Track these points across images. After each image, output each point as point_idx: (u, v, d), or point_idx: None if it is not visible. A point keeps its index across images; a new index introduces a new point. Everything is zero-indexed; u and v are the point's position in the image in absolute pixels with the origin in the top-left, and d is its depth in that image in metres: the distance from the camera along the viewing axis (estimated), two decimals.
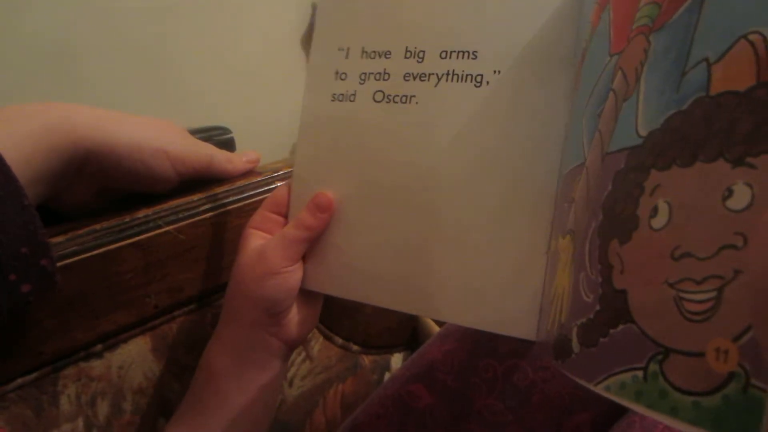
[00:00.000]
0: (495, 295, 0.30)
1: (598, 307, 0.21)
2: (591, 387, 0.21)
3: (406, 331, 0.57)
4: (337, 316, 0.51)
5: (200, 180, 0.41)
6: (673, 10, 0.20)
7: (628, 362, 0.19)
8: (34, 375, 0.33)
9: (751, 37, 0.16)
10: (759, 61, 0.16)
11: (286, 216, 0.37)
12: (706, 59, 0.18)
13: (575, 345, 0.23)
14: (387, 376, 0.55)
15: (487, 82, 0.31)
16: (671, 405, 0.17)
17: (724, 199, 0.16)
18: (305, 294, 0.36)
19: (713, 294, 0.16)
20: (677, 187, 0.18)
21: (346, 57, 0.35)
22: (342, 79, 0.35)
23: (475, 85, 0.31)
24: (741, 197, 0.16)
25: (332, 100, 0.35)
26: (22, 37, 0.82)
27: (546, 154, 0.30)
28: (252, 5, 1.09)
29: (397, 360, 0.56)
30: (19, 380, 0.33)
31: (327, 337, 0.50)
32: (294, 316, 0.36)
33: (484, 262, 0.31)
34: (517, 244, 0.30)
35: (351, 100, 0.34)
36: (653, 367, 0.18)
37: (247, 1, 1.08)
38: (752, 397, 0.15)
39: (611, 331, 0.20)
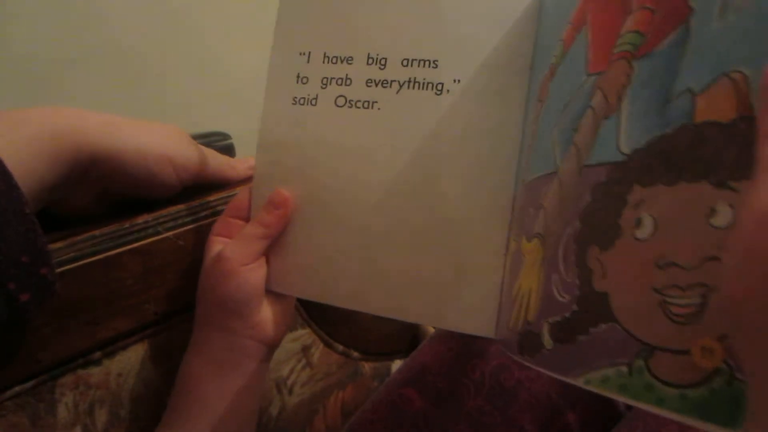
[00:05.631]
0: (455, 294, 0.32)
1: (575, 307, 0.23)
2: (567, 379, 0.23)
3: (406, 338, 0.57)
4: (337, 323, 0.51)
5: (200, 185, 0.41)
6: (657, 41, 0.22)
7: (611, 358, 0.21)
8: (31, 383, 0.33)
9: (734, 75, 0.19)
10: (740, 96, 0.18)
11: (248, 220, 0.37)
12: (690, 90, 0.20)
13: (547, 341, 0.25)
14: None
15: (448, 90, 0.32)
16: (658, 396, 0.19)
17: (708, 216, 0.19)
18: (275, 292, 0.37)
19: (698, 300, 0.19)
20: (662, 203, 0.20)
21: (308, 61, 0.35)
22: (303, 83, 0.35)
23: (435, 93, 0.32)
24: (724, 216, 0.18)
25: (293, 104, 0.35)
26: (19, 47, 0.82)
27: (502, 160, 0.31)
28: (250, 11, 1.09)
29: (397, 366, 0.56)
30: (16, 388, 0.32)
31: (327, 344, 0.50)
32: (265, 315, 0.36)
33: (444, 263, 0.32)
34: (475, 245, 0.31)
35: (312, 104, 0.35)
36: (638, 363, 0.20)
37: (246, 7, 1.08)
38: (737, 389, 0.17)
39: (591, 329, 0.22)
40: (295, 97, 0.35)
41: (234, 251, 0.34)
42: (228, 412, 0.35)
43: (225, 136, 0.50)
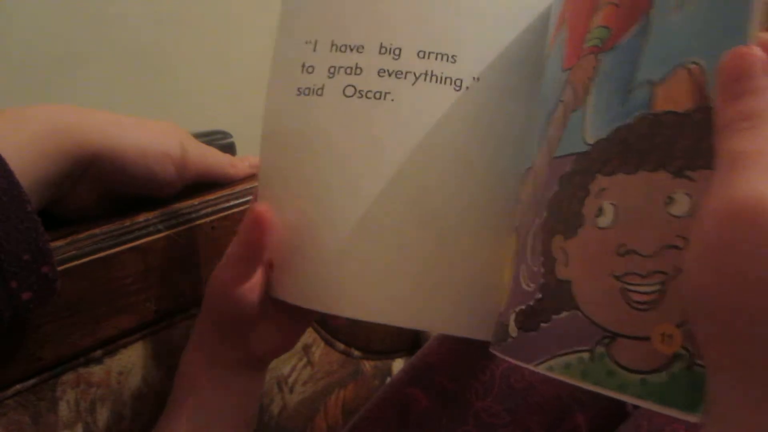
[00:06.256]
0: (462, 299, 0.30)
1: (539, 295, 0.24)
2: (530, 367, 0.23)
3: (407, 337, 0.57)
4: (338, 322, 0.51)
5: (201, 184, 0.41)
6: (621, 34, 0.22)
7: (573, 345, 0.21)
8: (32, 381, 0.33)
9: (690, 66, 0.19)
10: (696, 87, 0.19)
11: None
12: (650, 81, 0.20)
13: (512, 330, 0.25)
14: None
15: (467, 87, 0.31)
16: (619, 382, 0.19)
17: (666, 205, 0.19)
18: (280, 307, 0.35)
19: (658, 287, 0.19)
20: (622, 192, 0.21)
21: (314, 50, 0.33)
22: (309, 73, 0.32)
23: (455, 89, 0.31)
24: (682, 204, 0.19)
25: (298, 95, 0.33)
26: (21, 44, 0.82)
27: (517, 163, 0.30)
28: (251, 9, 1.09)
29: (398, 365, 0.56)
30: (18, 386, 0.32)
31: (328, 343, 0.50)
32: (265, 332, 0.35)
33: (451, 266, 0.31)
34: (484, 248, 0.30)
35: (318, 94, 0.32)
36: (600, 349, 0.20)
37: (246, 5, 1.08)
38: (696, 374, 0.17)
39: (554, 317, 0.22)
40: (300, 88, 0.33)
41: (221, 273, 0.34)
42: (225, 411, 0.35)
43: (226, 135, 0.50)
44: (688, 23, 0.20)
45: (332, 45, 0.32)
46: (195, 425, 0.34)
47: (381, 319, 0.32)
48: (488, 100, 0.31)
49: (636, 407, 0.41)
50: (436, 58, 0.31)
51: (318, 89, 0.32)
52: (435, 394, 0.42)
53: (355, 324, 0.52)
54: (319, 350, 0.49)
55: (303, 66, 0.33)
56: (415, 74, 0.31)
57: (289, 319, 0.36)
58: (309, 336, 0.49)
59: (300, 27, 0.34)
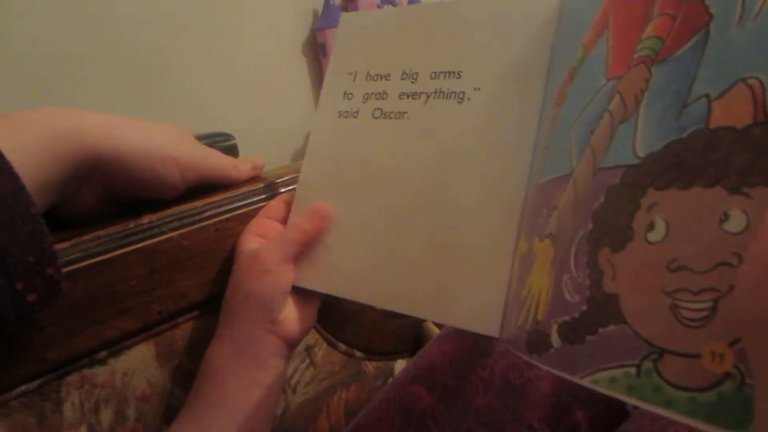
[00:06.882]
0: (462, 292, 0.33)
1: (585, 308, 0.23)
2: (574, 379, 0.23)
3: (409, 338, 0.57)
4: (341, 323, 0.51)
5: (204, 186, 0.41)
6: (677, 46, 0.22)
7: (619, 359, 0.21)
8: (37, 382, 0.33)
9: (750, 81, 0.19)
10: (756, 102, 0.18)
11: (283, 222, 0.40)
12: (707, 95, 0.20)
13: (555, 340, 0.25)
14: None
15: (468, 98, 0.35)
16: (665, 399, 0.19)
17: (721, 222, 0.19)
18: (301, 293, 0.38)
19: (709, 304, 0.18)
20: (675, 207, 0.20)
21: (354, 80, 0.40)
22: (348, 99, 0.40)
23: (457, 101, 0.35)
24: (737, 222, 0.18)
25: (339, 117, 0.40)
26: (24, 45, 0.82)
27: (517, 163, 0.32)
28: (253, 12, 1.10)
29: (400, 366, 0.56)
30: (22, 387, 0.33)
31: (330, 344, 0.50)
32: (290, 314, 0.37)
33: (455, 260, 0.33)
34: (485, 245, 0.32)
35: (354, 117, 0.39)
36: (647, 365, 0.20)
37: (249, 8, 1.09)
38: (746, 394, 0.17)
39: (600, 330, 0.22)
40: (341, 111, 0.40)
41: (273, 251, 0.36)
42: (247, 405, 0.36)
43: (228, 137, 0.50)
44: (750, 37, 0.19)
45: (367, 75, 0.39)
46: (222, 421, 0.35)
47: (394, 308, 0.35)
48: (487, 106, 0.34)
49: (636, 407, 0.41)
50: (445, 77, 0.36)
51: (354, 112, 0.39)
52: (437, 391, 0.42)
53: (357, 325, 0.52)
54: (321, 351, 0.50)
55: (344, 93, 0.40)
56: (427, 94, 0.36)
57: (306, 300, 0.39)
58: (311, 337, 0.49)
59: (345, 61, 0.41)
